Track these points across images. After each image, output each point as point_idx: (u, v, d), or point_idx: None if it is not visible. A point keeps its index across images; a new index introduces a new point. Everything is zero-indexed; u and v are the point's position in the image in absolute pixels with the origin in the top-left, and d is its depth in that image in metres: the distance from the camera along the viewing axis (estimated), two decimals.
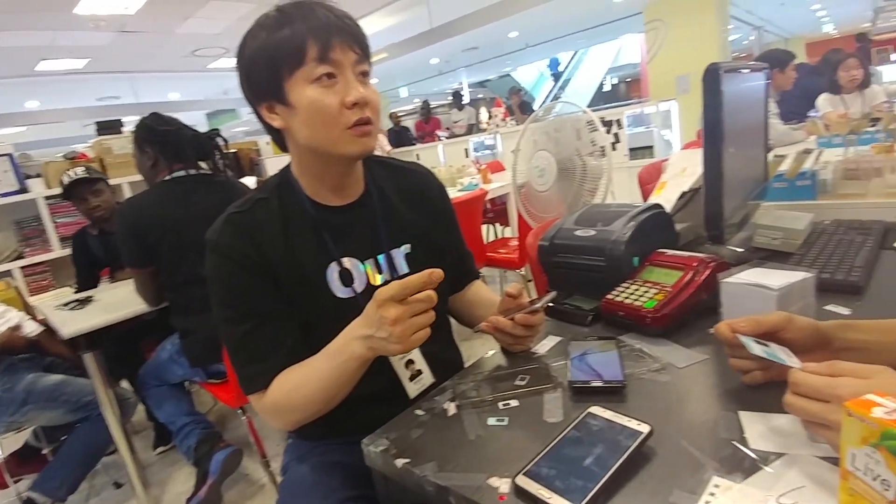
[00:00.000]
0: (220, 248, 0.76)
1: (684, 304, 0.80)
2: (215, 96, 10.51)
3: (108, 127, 3.61)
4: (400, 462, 0.59)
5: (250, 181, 3.43)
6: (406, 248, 0.87)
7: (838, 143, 2.02)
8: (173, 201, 1.62)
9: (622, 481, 0.49)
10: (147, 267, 1.62)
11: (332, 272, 0.80)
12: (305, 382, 0.73)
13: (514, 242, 2.81)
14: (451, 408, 0.69)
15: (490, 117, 5.94)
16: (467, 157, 5.77)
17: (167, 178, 1.68)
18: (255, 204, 0.80)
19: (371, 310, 0.64)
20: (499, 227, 3.83)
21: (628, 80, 14.25)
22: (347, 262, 0.81)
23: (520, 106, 6.31)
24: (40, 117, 8.63)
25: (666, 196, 1.15)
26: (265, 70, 0.72)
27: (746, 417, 0.57)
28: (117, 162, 3.21)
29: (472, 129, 7.30)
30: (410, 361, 0.83)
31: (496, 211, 3.57)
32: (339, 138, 0.73)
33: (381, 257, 0.84)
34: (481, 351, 0.84)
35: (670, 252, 0.90)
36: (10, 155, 2.88)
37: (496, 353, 0.84)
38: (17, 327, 1.72)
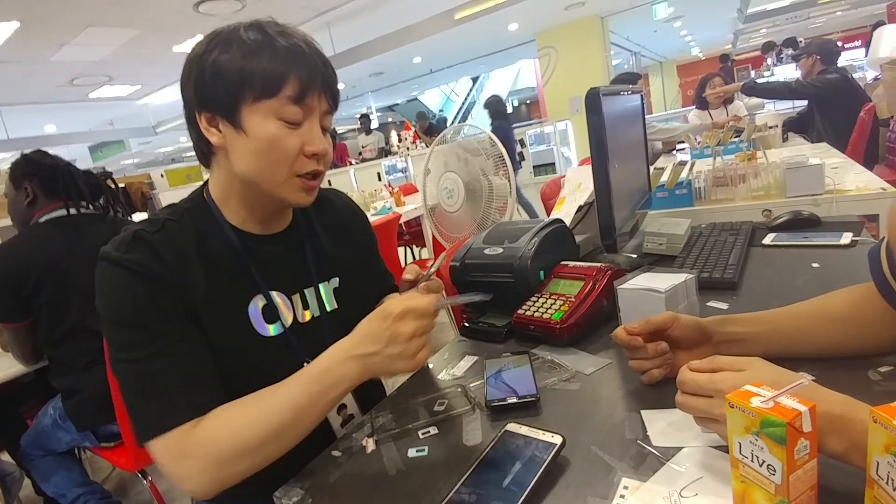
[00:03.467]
0: (126, 263, 0.64)
1: (588, 312, 0.84)
2: (99, 127, 9.69)
3: None
4: None
5: (142, 217, 3.16)
6: (335, 281, 0.83)
7: (708, 153, 2.27)
8: (54, 244, 1.44)
9: (540, 496, 0.50)
10: (23, 321, 1.42)
11: (255, 307, 0.72)
12: (268, 414, 0.61)
13: (430, 263, 2.83)
14: (370, 444, 0.66)
15: (400, 140, 6.00)
16: (380, 180, 5.77)
17: (44, 218, 1.49)
18: (164, 224, 0.70)
19: (379, 325, 0.60)
20: (415, 248, 3.85)
21: (528, 101, 15.12)
22: (276, 295, 0.75)
23: (426, 130, 6.45)
24: None
25: (566, 210, 1.22)
26: (227, 85, 0.65)
27: (648, 416, 0.60)
28: None
29: (383, 152, 7.32)
30: (343, 406, 0.79)
31: (412, 233, 3.58)
32: (285, 182, 0.69)
33: (307, 291, 0.79)
34: (402, 378, 0.82)
35: (572, 263, 0.95)
36: None
37: (414, 378, 0.83)
38: None
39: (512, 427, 0.59)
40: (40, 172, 1.51)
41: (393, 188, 3.73)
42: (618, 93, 1.09)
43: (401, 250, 3.67)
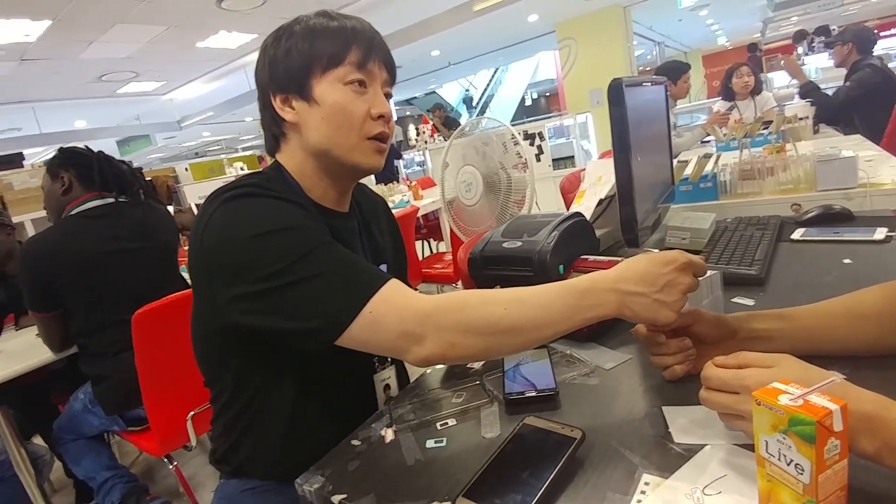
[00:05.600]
0: (257, 192, 0.67)
1: None
2: (126, 122, 9.90)
3: (9, 161, 3.32)
4: (337, 498, 0.57)
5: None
6: (383, 267, 0.86)
7: (735, 146, 2.22)
8: (86, 237, 1.47)
9: (559, 490, 0.50)
10: (52, 311, 1.47)
11: None
12: (521, 304, 0.60)
13: (449, 257, 2.83)
14: (389, 434, 0.67)
15: (418, 134, 6.00)
16: (398, 173, 5.78)
17: (76, 210, 1.53)
18: (253, 175, 0.73)
19: (658, 269, 0.60)
20: (433, 242, 3.85)
21: (547, 94, 14.93)
22: None
23: (444, 122, 6.43)
24: None
25: (586, 204, 1.21)
26: (298, 62, 0.71)
27: (670, 412, 0.59)
28: (19, 198, 2.94)
29: (401, 146, 7.33)
30: (388, 386, 0.83)
31: (429, 227, 3.59)
32: (356, 146, 0.73)
33: None
34: (419, 370, 0.83)
35: (592, 258, 0.94)
36: None
37: (433, 371, 0.83)
38: None
39: (531, 420, 0.59)
40: (77, 162, 1.55)
41: (411, 182, 3.74)
42: (641, 84, 1.07)
43: (418, 244, 3.68)
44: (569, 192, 1.83)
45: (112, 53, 5.69)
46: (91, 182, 1.53)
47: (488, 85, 14.37)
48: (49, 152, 9.46)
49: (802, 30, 5.67)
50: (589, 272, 0.89)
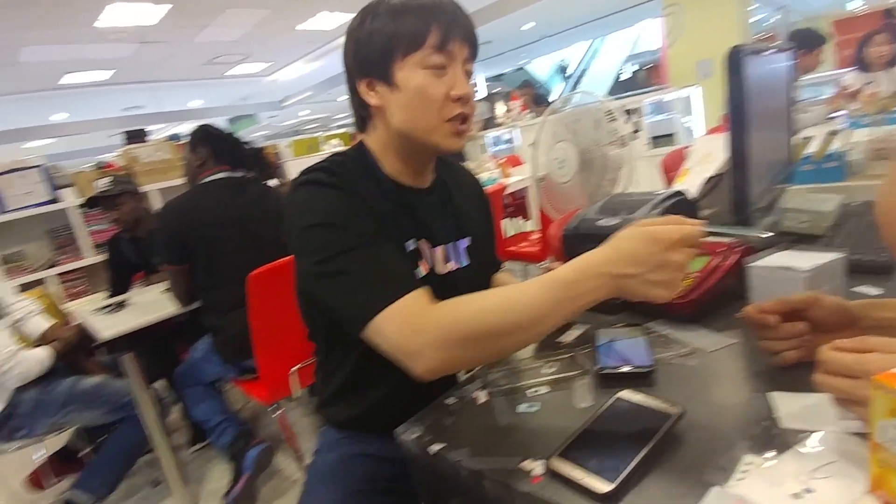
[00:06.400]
0: (325, 182, 0.72)
1: (712, 289, 0.80)
2: (235, 102, 10.71)
3: (135, 136, 3.72)
4: (434, 448, 0.61)
5: (272, 183, 3.50)
6: (467, 240, 0.88)
7: (867, 122, 1.97)
8: (214, 202, 1.68)
9: (655, 461, 0.50)
10: (182, 265, 1.67)
11: (405, 250, 0.79)
12: (508, 307, 0.61)
13: (535, 236, 2.81)
14: (482, 396, 0.70)
15: (507, 111, 5.91)
16: (484, 152, 5.76)
17: (207, 179, 1.74)
18: (342, 163, 0.78)
19: (647, 248, 0.58)
20: (520, 220, 3.82)
21: (648, 66, 13.95)
22: (423, 243, 0.81)
23: (534, 99, 6.26)
24: (68, 129, 8.92)
25: (690, 182, 1.14)
26: (379, 48, 0.73)
27: (777, 398, 0.57)
28: (145, 170, 3.30)
29: (488, 123, 7.26)
30: None
31: (516, 205, 3.56)
32: (436, 128, 0.75)
33: (450, 246, 0.85)
34: None
35: None
36: (40, 166, 2.99)
37: None
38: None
39: (625, 394, 0.59)
40: (212, 139, 1.77)
41: (499, 159, 3.72)
42: (763, 52, 0.98)
43: (504, 222, 3.67)
44: (670, 170, 1.74)
45: (223, 37, 6.16)
46: (222, 158, 1.76)
47: (582, 59, 13.73)
48: (168, 129, 10.51)
49: None
50: None
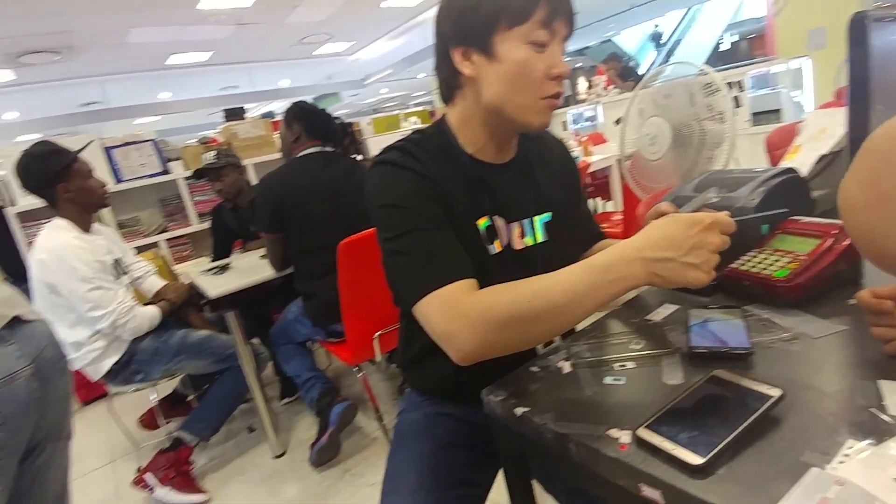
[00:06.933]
0: (399, 163, 0.75)
1: (821, 274, 0.74)
2: (320, 81, 11.14)
3: (234, 114, 4.00)
4: (519, 410, 0.64)
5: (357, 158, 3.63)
6: (547, 216, 0.87)
7: None
8: (306, 176, 1.80)
9: (750, 441, 0.49)
10: (278, 233, 1.80)
11: (480, 227, 0.80)
12: (544, 292, 0.63)
13: (618, 217, 2.72)
14: (566, 366, 0.71)
15: (590, 87, 5.68)
16: (565, 130, 5.60)
17: (301, 154, 1.86)
18: (419, 142, 0.80)
19: (684, 232, 0.59)
20: (600, 201, 3.71)
21: (751, 36, 12.71)
22: (497, 219, 0.82)
23: (620, 74, 5.94)
24: (174, 107, 9.74)
25: (801, 160, 1.06)
26: (483, 16, 0.71)
27: (887, 386, 0.53)
28: (243, 145, 3.55)
29: (569, 100, 7.02)
30: None
31: (597, 185, 3.45)
32: (531, 106, 0.74)
33: (526, 221, 0.85)
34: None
35: (806, 219, 0.84)
36: (153, 140, 3.31)
37: (608, 317, 0.84)
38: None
39: (721, 373, 0.58)
40: (306, 116, 1.88)
41: (581, 137, 3.61)
42: (889, 19, 0.88)
43: None
44: (776, 148, 1.60)
45: (311, 17, 6.39)
46: (314, 133, 1.87)
47: (677, 27, 12.77)
48: (261, 108, 11.14)
49: None
50: (801, 235, 0.81)
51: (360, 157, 3.73)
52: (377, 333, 1.67)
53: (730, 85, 4.24)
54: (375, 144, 4.54)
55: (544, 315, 0.63)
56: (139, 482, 1.80)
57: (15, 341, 0.77)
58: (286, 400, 2.44)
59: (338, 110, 13.43)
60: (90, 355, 1.74)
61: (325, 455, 1.87)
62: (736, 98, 4.16)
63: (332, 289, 1.61)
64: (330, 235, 1.58)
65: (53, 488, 0.91)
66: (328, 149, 1.88)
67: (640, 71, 7.82)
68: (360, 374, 1.80)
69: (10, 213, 2.74)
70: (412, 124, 5.20)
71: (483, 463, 0.88)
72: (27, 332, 0.80)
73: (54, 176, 1.69)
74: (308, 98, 11.99)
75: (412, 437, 0.90)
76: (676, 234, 0.59)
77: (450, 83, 0.80)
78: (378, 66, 10.20)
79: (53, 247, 1.66)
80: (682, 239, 0.59)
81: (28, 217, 2.76)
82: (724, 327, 0.70)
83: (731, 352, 0.64)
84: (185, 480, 1.83)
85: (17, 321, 0.80)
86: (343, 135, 1.98)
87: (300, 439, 2.11)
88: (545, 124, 0.77)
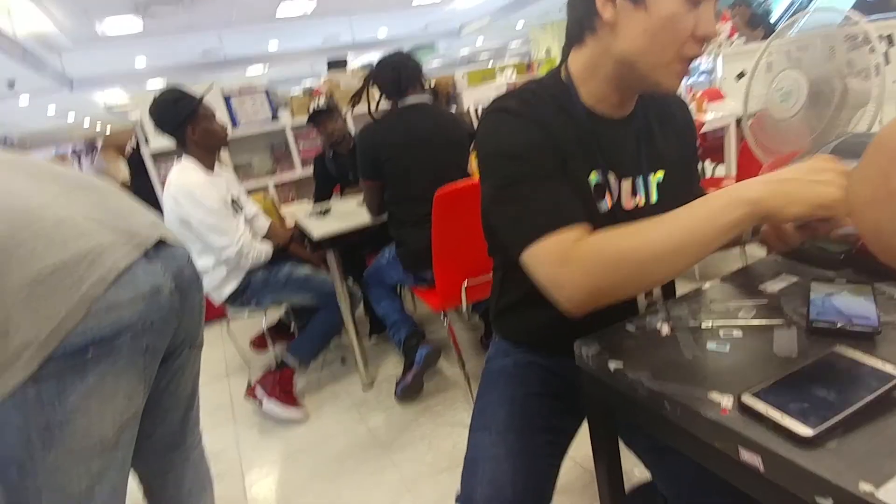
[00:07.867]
0: (516, 111, 0.74)
1: None
2: (417, 32, 11.07)
3: (336, 65, 4.11)
4: (613, 365, 0.64)
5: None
6: (660, 174, 0.84)
7: None
8: (404, 126, 1.84)
9: (866, 419, 0.46)
10: (376, 181, 1.88)
11: (591, 182, 0.78)
12: (655, 232, 0.62)
13: (729, 182, 2.51)
14: (665, 328, 0.70)
15: None
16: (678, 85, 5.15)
17: (400, 104, 1.88)
18: (535, 91, 0.78)
19: (805, 164, 0.60)
20: (710, 164, 3.42)
21: None
22: (609, 173, 0.79)
23: (748, 20, 5.27)
24: (283, 58, 10.20)
25: None
26: None
27: None
28: (344, 96, 3.65)
29: None
30: (649, 292, 0.85)
31: (707, 147, 3.17)
32: (666, 65, 0.69)
33: (638, 179, 0.82)
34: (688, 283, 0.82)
35: None
36: (266, 91, 3.52)
37: (716, 284, 0.81)
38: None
39: (842, 350, 0.54)
40: (402, 67, 1.87)
41: (696, 92, 3.31)
42: None
43: None
44: None
45: None
46: (411, 84, 1.86)
47: None
48: (357, 58, 11.33)
49: None
50: None
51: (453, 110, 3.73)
52: (465, 282, 1.72)
53: (880, 38, 3.63)
54: (470, 97, 4.48)
55: (654, 255, 0.61)
56: (251, 393, 2.05)
57: (160, 260, 0.89)
58: (374, 338, 2.62)
59: (432, 62, 13.33)
60: (214, 281, 1.97)
61: (409, 392, 2.00)
62: (885, 54, 3.56)
63: (424, 236, 1.67)
64: (425, 185, 1.62)
65: (186, 388, 1.07)
66: (425, 100, 1.89)
67: (773, 18, 6.90)
68: (446, 320, 1.87)
69: (146, 152, 3.08)
70: (508, 77, 5.05)
71: (570, 415, 0.91)
72: (170, 254, 0.92)
73: (184, 118, 1.87)
74: (405, 48, 12.07)
75: (503, 381, 0.93)
76: (798, 165, 0.59)
77: (583, 24, 0.74)
78: (474, 15, 9.91)
79: (184, 183, 1.87)
80: (801, 167, 0.59)
81: (160, 157, 3.10)
82: (849, 303, 0.64)
83: (856, 328, 0.60)
84: (288, 397, 2.06)
85: (161, 244, 0.91)
86: (428, 87, 1.95)
87: (386, 374, 2.27)
88: (674, 88, 0.72)
